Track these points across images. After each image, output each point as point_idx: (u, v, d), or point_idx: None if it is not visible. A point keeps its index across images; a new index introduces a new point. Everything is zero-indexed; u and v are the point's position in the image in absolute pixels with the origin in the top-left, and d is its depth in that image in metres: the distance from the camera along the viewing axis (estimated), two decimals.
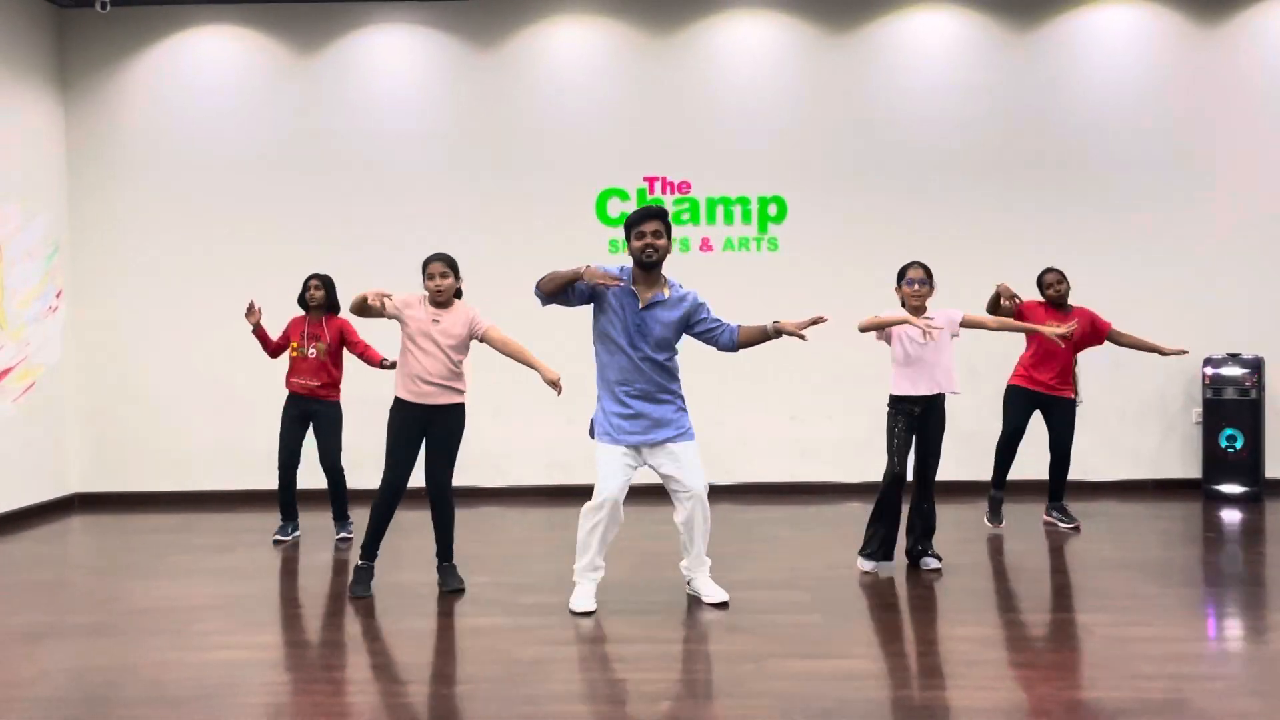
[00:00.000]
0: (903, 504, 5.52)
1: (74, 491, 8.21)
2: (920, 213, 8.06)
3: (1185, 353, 6.62)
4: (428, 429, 5.26)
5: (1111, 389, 8.03)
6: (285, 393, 6.58)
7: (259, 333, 6.51)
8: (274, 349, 6.61)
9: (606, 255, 8.03)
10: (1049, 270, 6.54)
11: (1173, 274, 8.04)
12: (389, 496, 5.26)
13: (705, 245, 8.15)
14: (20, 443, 7.58)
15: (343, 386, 6.63)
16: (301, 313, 6.61)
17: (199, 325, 8.12)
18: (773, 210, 8.16)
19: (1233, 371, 7.75)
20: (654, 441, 4.79)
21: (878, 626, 4.65)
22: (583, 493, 7.87)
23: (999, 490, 6.64)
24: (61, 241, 8.14)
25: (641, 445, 4.79)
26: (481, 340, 5.29)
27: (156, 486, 8.20)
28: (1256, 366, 7.72)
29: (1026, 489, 7.28)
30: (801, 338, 4.84)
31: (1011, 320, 5.87)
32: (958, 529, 6.54)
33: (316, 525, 6.94)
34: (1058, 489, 6.67)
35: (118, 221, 8.23)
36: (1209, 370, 7.81)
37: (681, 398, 4.92)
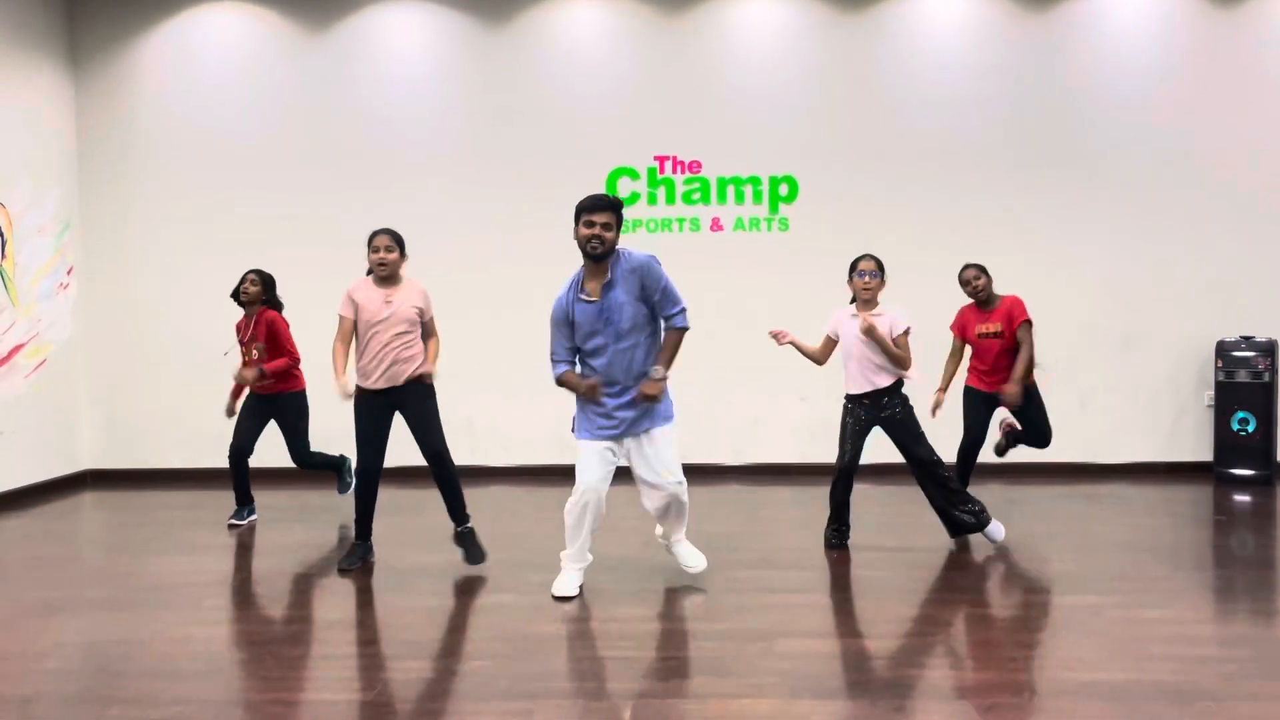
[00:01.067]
0: (849, 495, 5.70)
1: (86, 468, 8.26)
2: (931, 193, 8.01)
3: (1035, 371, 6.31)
4: (400, 409, 5.26)
5: (1123, 371, 8.00)
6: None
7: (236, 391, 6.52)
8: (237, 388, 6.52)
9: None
10: (967, 266, 6.29)
11: (1187, 256, 7.99)
12: (367, 482, 5.29)
13: (716, 225, 8.12)
14: (33, 420, 7.62)
15: (304, 365, 6.46)
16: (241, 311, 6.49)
17: (210, 303, 8.11)
18: (784, 190, 8.13)
19: (1246, 354, 7.70)
20: (634, 433, 4.77)
21: (885, 606, 4.65)
22: None
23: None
24: (72, 218, 8.15)
25: (621, 437, 4.78)
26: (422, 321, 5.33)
27: (167, 464, 8.24)
28: (1270, 349, 7.68)
29: (1031, 472, 7.27)
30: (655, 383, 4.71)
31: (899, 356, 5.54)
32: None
33: (327, 505, 6.97)
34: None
35: (129, 198, 8.24)
36: (1222, 353, 7.77)
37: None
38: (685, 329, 4.78)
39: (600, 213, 4.64)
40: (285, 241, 7.98)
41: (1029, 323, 6.14)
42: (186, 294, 8.20)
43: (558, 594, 4.78)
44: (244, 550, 5.87)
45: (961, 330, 6.36)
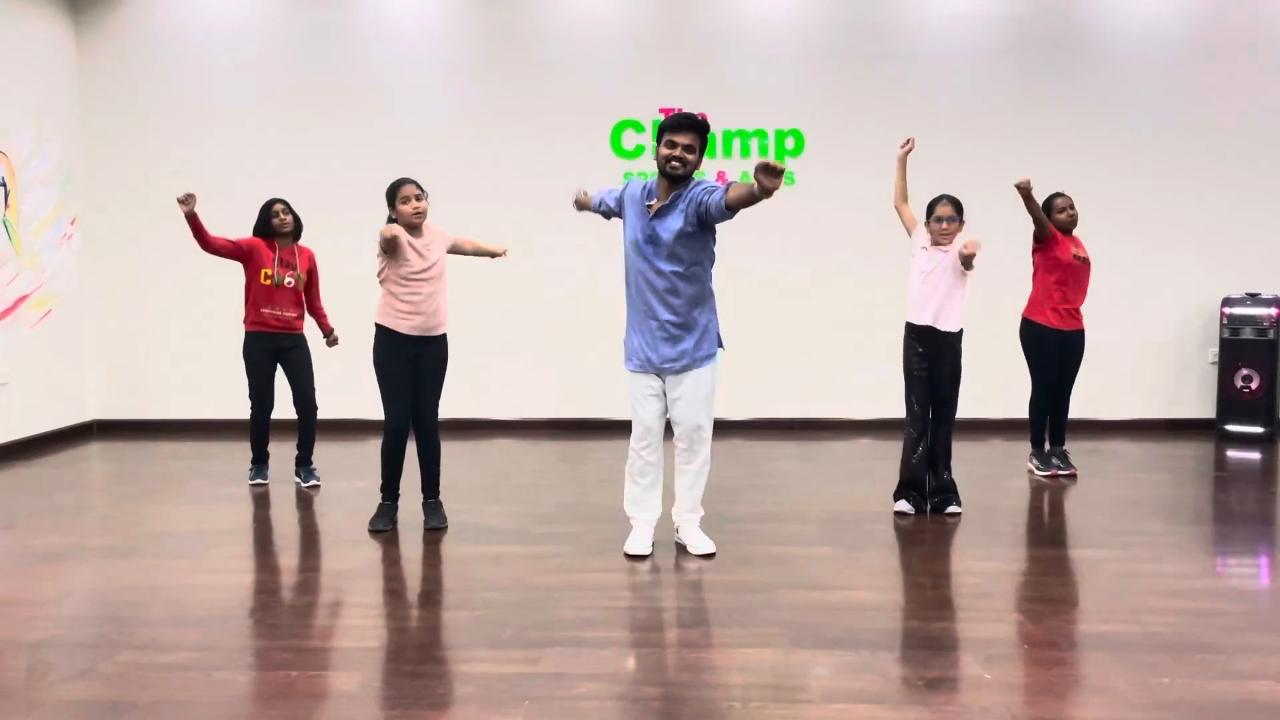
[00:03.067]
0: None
1: (93, 418, 8.30)
2: (939, 146, 7.95)
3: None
4: (417, 361, 5.13)
5: (1127, 327, 8.00)
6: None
7: (193, 221, 5.83)
8: (213, 245, 5.92)
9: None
10: (1059, 194, 6.17)
11: (1192, 213, 7.95)
12: (398, 442, 5.17)
13: (721, 179, 8.06)
14: (39, 369, 7.65)
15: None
16: (257, 239, 6.11)
17: None
18: (790, 144, 8.07)
19: (1251, 311, 7.69)
20: (671, 370, 4.55)
21: (887, 560, 4.69)
22: (595, 426, 7.99)
23: (1040, 447, 6.35)
24: (75, 169, 8.11)
25: (662, 373, 4.57)
26: (453, 250, 5.28)
27: (173, 414, 8.28)
28: (1276, 306, 7.66)
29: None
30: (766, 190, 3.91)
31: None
32: (969, 465, 6.57)
33: (334, 455, 7.01)
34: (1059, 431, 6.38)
35: (131, 148, 8.20)
36: (1227, 310, 7.76)
37: (705, 318, 4.55)
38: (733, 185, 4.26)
39: (683, 133, 4.33)
40: (289, 192, 7.94)
41: None
42: (190, 244, 8.16)
43: (630, 552, 4.65)
44: (251, 500, 5.92)
45: (1060, 250, 6.04)
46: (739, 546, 4.82)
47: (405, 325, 5.02)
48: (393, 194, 5.02)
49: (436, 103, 8.12)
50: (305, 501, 5.92)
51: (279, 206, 6.08)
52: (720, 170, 8.06)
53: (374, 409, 7.97)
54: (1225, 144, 7.90)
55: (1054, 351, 6.14)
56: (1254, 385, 7.67)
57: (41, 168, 7.71)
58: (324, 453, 6.93)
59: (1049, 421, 6.31)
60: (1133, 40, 7.92)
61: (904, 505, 5.42)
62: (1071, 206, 6.13)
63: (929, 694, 3.21)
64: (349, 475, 6.53)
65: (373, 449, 7.41)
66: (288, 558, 4.83)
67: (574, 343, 8.14)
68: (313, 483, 6.20)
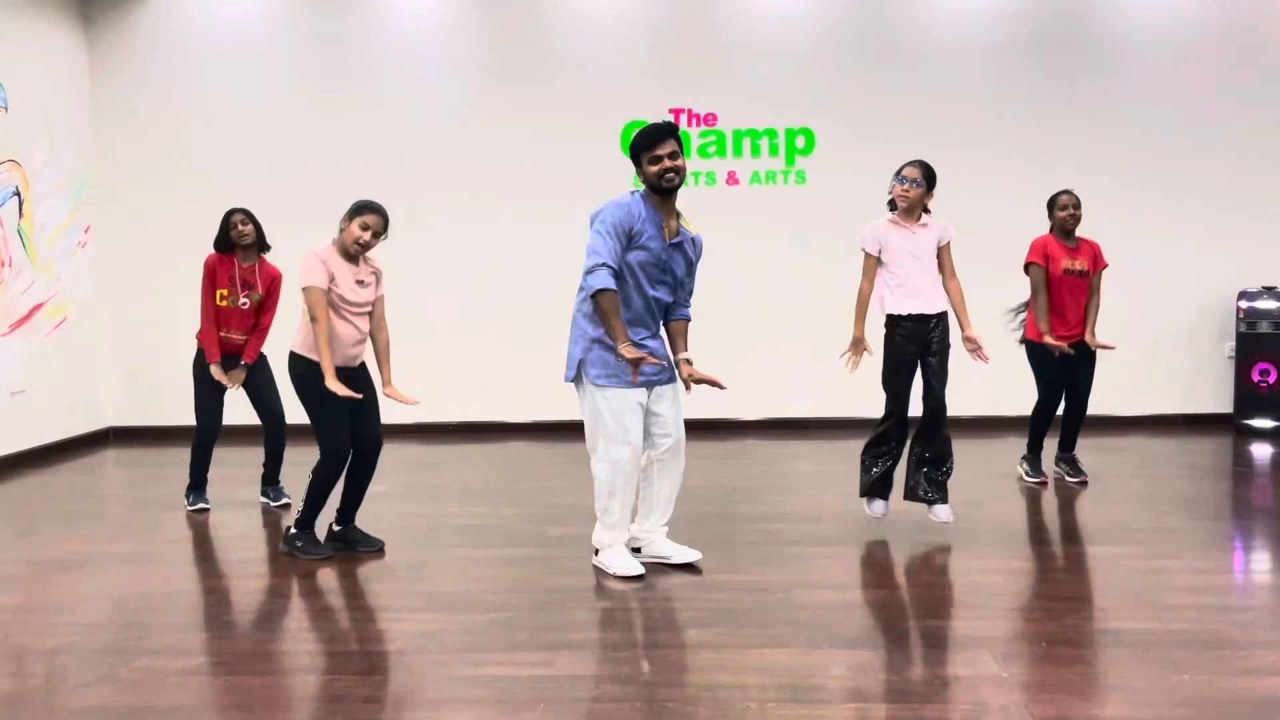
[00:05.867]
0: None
1: (108, 425, 8.34)
2: (951, 144, 7.91)
3: (1108, 347, 5.89)
4: (352, 389, 4.65)
5: (1142, 322, 7.94)
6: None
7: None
8: (213, 334, 5.65)
9: (630, 188, 7.95)
10: (1064, 192, 5.87)
11: (1208, 206, 7.90)
12: (337, 472, 4.77)
13: (732, 179, 8.06)
14: (55, 377, 7.69)
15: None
16: (216, 253, 5.73)
17: None
18: (800, 142, 8.05)
19: (1267, 305, 7.64)
20: (660, 381, 4.38)
21: (903, 558, 4.67)
22: None
23: (1038, 454, 6.09)
24: (88, 177, 8.16)
25: (652, 384, 4.37)
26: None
27: (189, 420, 8.28)
28: None
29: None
30: (686, 387, 4.48)
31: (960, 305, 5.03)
32: (979, 462, 6.54)
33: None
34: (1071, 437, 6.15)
35: (144, 156, 8.23)
36: (1243, 303, 7.70)
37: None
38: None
39: (664, 142, 4.21)
40: (300, 196, 7.96)
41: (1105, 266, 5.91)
42: (205, 250, 8.18)
43: (629, 574, 4.36)
44: (264, 506, 5.93)
45: (1045, 257, 5.80)
46: (754, 547, 4.80)
47: (341, 358, 4.64)
48: (356, 213, 4.67)
49: (446, 103, 8.12)
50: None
51: (238, 217, 5.64)
52: (731, 170, 8.04)
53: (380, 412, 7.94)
54: (1240, 138, 7.84)
55: (1057, 362, 5.84)
56: (1271, 379, 7.61)
57: (55, 176, 7.76)
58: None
59: (1063, 427, 6.08)
60: (1146, 34, 7.86)
61: (880, 507, 5.11)
62: (1076, 207, 5.82)
63: (947, 692, 3.20)
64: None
65: (384, 453, 7.42)
66: (303, 562, 4.84)
67: None
68: (283, 501, 5.84)
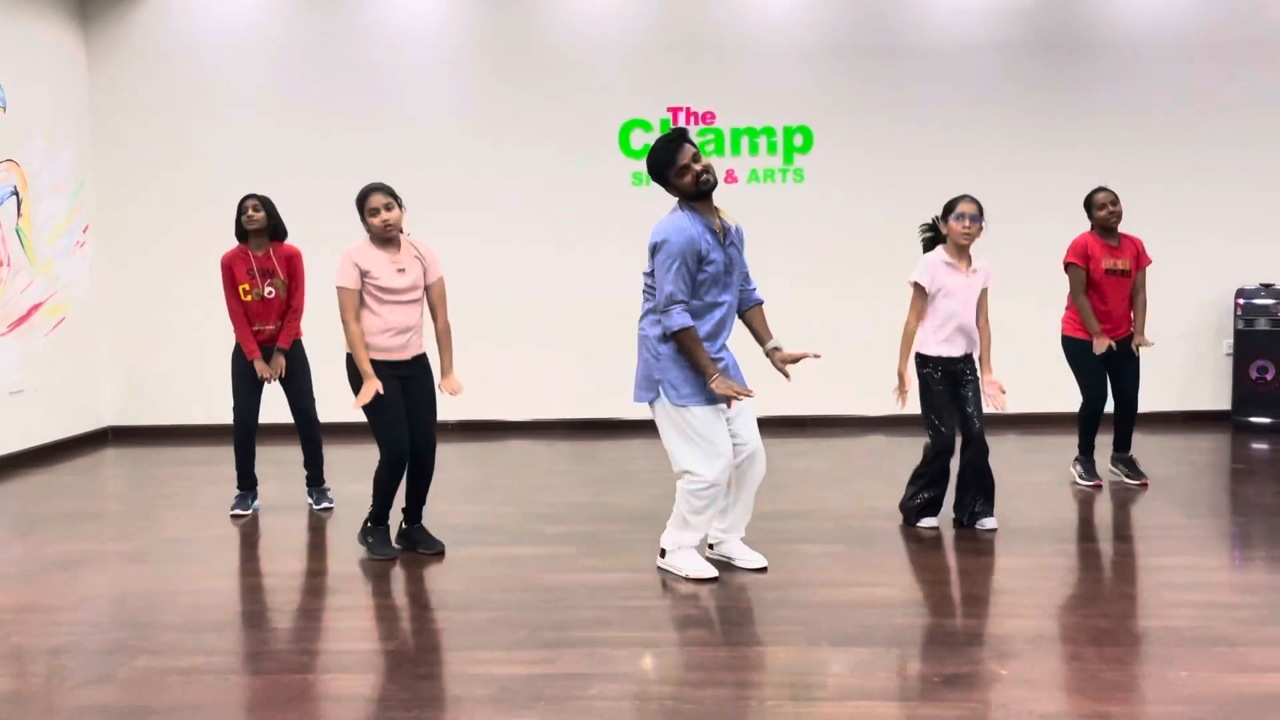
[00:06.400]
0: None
1: (107, 425, 8.34)
2: (950, 142, 7.93)
3: (1149, 344, 5.85)
4: (407, 385, 4.67)
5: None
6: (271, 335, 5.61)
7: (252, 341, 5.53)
8: (246, 330, 5.54)
9: (629, 188, 7.97)
10: (1101, 189, 5.77)
11: (1206, 203, 7.90)
12: (398, 472, 4.70)
13: (730, 177, 8.05)
14: (54, 377, 7.69)
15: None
16: (235, 244, 5.62)
17: None
18: (799, 141, 8.05)
19: (1265, 302, 7.64)
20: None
21: (902, 556, 4.68)
22: (608, 425, 7.98)
23: (1089, 455, 5.92)
24: (87, 177, 8.15)
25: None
26: (427, 284, 4.72)
27: (188, 420, 8.31)
28: None
29: (1047, 421, 7.25)
30: (784, 375, 4.56)
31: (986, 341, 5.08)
32: None
33: (341, 457, 7.03)
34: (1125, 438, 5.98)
35: (143, 155, 8.22)
36: (1241, 301, 7.71)
37: None
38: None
39: (684, 149, 4.20)
40: (299, 195, 7.96)
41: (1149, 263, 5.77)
42: (203, 250, 8.19)
43: (703, 577, 4.28)
44: (265, 505, 5.93)
45: (1085, 256, 5.68)
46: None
47: (380, 351, 4.61)
48: (361, 203, 4.60)
49: (445, 103, 8.12)
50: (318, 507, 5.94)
51: (250, 202, 5.51)
52: (729, 168, 8.04)
53: None
54: (1238, 134, 7.84)
55: (1098, 361, 5.76)
56: (1269, 376, 7.62)
57: (53, 176, 7.75)
58: (338, 455, 6.94)
59: (1115, 428, 5.94)
60: (1144, 30, 7.86)
61: (932, 520, 5.04)
62: (1114, 203, 5.70)
63: (946, 691, 3.20)
64: (363, 478, 6.53)
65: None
66: (302, 561, 4.84)
67: (586, 342, 8.13)
68: (325, 505, 5.76)
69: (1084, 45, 7.89)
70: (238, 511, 5.62)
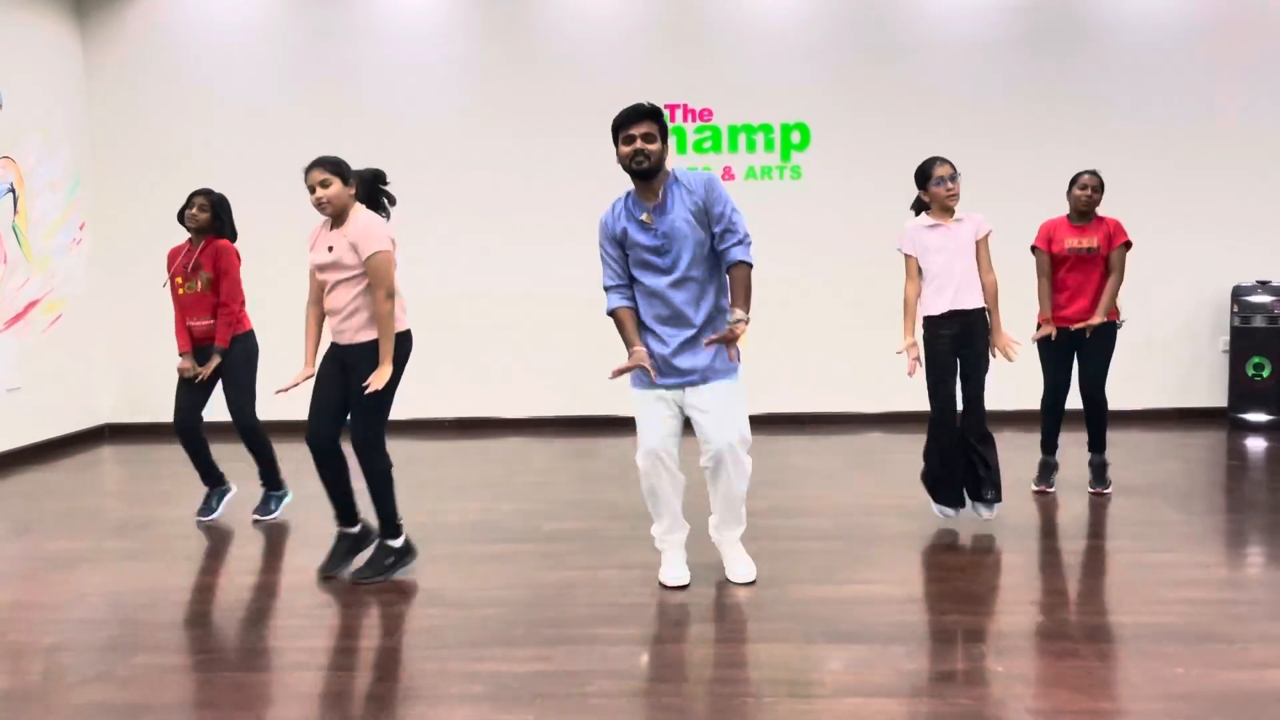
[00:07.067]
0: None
1: (104, 422, 8.33)
2: (947, 139, 7.92)
3: (1092, 325, 5.47)
4: (347, 373, 4.36)
5: (1137, 316, 7.96)
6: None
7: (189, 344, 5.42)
8: (179, 324, 5.47)
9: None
10: (1087, 172, 5.55)
11: (1202, 200, 7.91)
12: (315, 458, 4.43)
13: (727, 174, 8.06)
14: (50, 374, 7.68)
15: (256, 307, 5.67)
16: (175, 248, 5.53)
17: None
18: (796, 138, 8.05)
19: (1262, 299, 7.65)
20: (691, 384, 4.08)
21: (898, 553, 4.69)
22: (605, 422, 7.98)
23: (1050, 455, 5.79)
24: (83, 173, 8.14)
25: (676, 387, 4.09)
26: (362, 263, 4.25)
27: None
28: None
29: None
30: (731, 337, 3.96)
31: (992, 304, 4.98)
32: None
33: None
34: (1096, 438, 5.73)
35: (139, 152, 8.22)
36: (1237, 298, 7.72)
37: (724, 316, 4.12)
38: (750, 264, 4.04)
39: (638, 123, 3.97)
40: (295, 193, 7.95)
41: (1129, 245, 5.50)
42: None
43: (667, 584, 4.21)
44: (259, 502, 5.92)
45: (1048, 242, 5.55)
46: (750, 542, 4.80)
47: (328, 329, 4.45)
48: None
49: (441, 98, 8.11)
50: (317, 501, 5.93)
51: (198, 200, 5.38)
52: (726, 165, 8.04)
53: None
54: (1235, 131, 7.86)
55: (1059, 349, 5.59)
56: (1265, 374, 7.63)
57: (50, 173, 7.74)
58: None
59: (1087, 428, 5.73)
60: (1140, 27, 7.87)
61: (948, 509, 5.03)
62: (1096, 189, 5.47)
63: (943, 687, 3.21)
64: (357, 477, 6.53)
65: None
66: (299, 558, 4.84)
67: (583, 338, 8.12)
68: (271, 513, 5.55)
69: (1081, 42, 7.90)
70: (201, 518, 5.52)
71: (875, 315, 7.94)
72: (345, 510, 4.56)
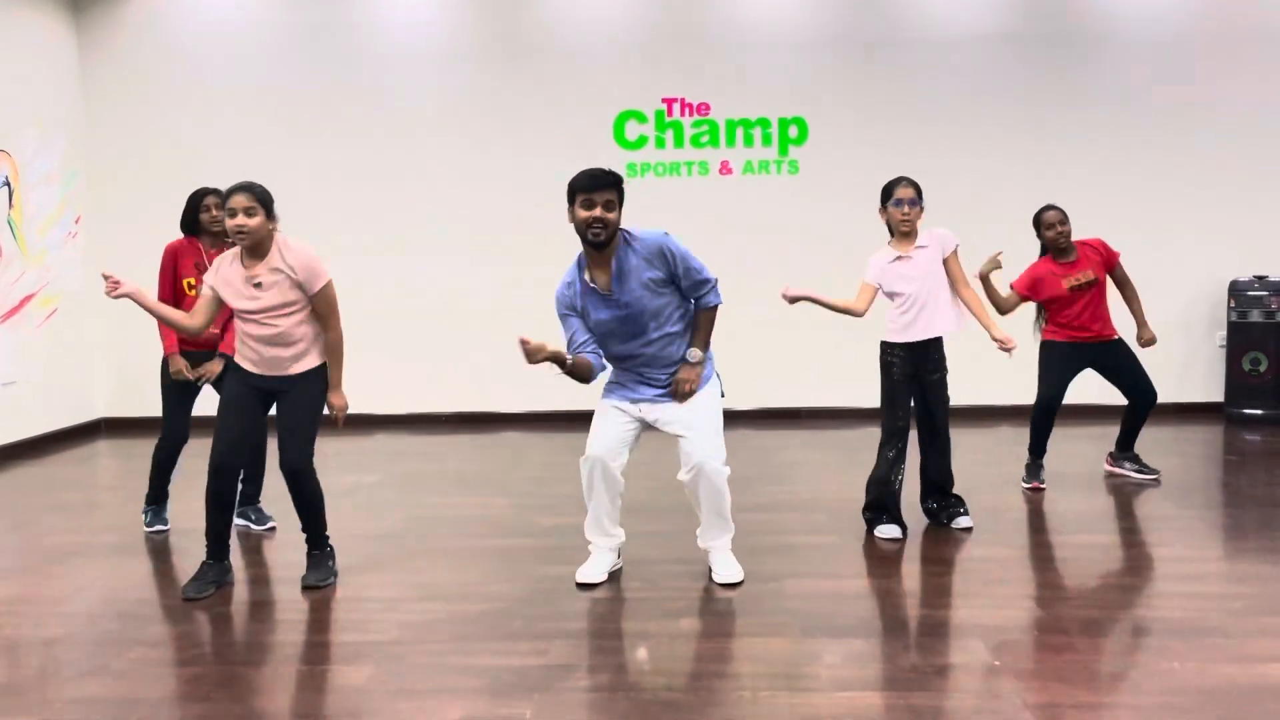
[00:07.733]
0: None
1: (100, 416, 8.32)
2: (944, 134, 7.93)
3: (1152, 337, 5.81)
4: (268, 404, 4.26)
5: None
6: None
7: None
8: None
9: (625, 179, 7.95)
10: (1050, 208, 5.53)
11: (1199, 195, 7.91)
12: (218, 483, 4.16)
13: (725, 168, 8.05)
14: (46, 368, 7.67)
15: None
16: (183, 238, 5.13)
17: None
18: (793, 132, 8.04)
19: (1258, 294, 7.66)
20: (656, 399, 4.17)
21: (895, 547, 4.69)
22: None
23: (1038, 457, 5.76)
24: (79, 167, 8.12)
25: (641, 402, 4.18)
26: (309, 298, 4.09)
27: None
28: None
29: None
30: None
31: (982, 304, 4.99)
32: (974, 452, 6.56)
33: (339, 449, 7.01)
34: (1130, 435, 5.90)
35: (135, 146, 8.20)
36: (1234, 293, 7.72)
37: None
38: (718, 305, 4.13)
39: (601, 191, 3.90)
40: (291, 186, 7.94)
41: (1118, 254, 5.67)
42: None
43: (579, 580, 4.21)
44: (264, 497, 5.91)
45: (1034, 289, 5.54)
46: (746, 536, 4.80)
47: (244, 359, 4.20)
48: (223, 202, 4.13)
49: (438, 93, 8.10)
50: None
51: (212, 200, 4.95)
52: (724, 159, 8.03)
53: (376, 402, 8.06)
54: (1232, 126, 7.86)
55: (1065, 361, 5.63)
56: (1262, 368, 7.64)
57: (45, 167, 7.72)
58: (329, 448, 6.93)
59: (1133, 426, 5.85)
60: (1138, 23, 7.87)
61: (894, 530, 4.79)
62: (1063, 223, 5.46)
63: (939, 681, 3.21)
64: (357, 470, 6.54)
65: (379, 443, 7.43)
66: (295, 553, 4.83)
67: None
68: (269, 525, 5.22)
69: (1079, 37, 7.90)
70: (157, 527, 5.19)
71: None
72: (224, 542, 4.28)
